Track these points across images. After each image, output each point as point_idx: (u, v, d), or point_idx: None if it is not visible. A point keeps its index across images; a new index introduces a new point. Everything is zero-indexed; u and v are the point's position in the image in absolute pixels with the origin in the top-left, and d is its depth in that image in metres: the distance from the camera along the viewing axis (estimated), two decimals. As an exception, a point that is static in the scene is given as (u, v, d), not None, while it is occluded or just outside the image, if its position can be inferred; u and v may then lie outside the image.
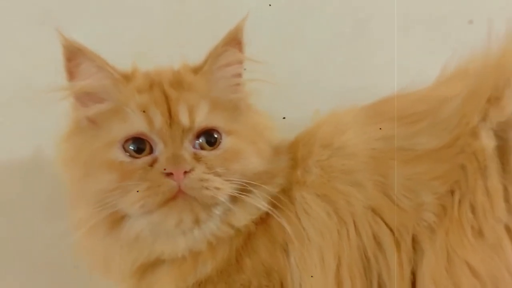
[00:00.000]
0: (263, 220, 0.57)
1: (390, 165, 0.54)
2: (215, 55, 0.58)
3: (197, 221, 0.55)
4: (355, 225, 0.53)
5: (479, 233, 0.48)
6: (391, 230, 0.53)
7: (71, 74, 0.56)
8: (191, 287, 0.56)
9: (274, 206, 0.57)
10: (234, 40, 0.58)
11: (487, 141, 0.49)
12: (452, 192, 0.51)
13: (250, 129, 0.59)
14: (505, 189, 0.48)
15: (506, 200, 0.48)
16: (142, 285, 0.58)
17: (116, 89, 0.56)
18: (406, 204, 0.53)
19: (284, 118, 0.67)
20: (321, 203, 0.55)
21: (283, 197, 0.57)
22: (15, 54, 0.74)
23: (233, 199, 0.55)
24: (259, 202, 0.56)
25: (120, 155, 0.54)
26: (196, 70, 0.59)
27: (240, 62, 0.59)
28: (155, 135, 0.54)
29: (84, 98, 0.57)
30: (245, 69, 0.61)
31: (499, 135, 0.50)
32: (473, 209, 0.49)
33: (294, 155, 0.60)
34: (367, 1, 0.85)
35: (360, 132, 0.58)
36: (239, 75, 0.60)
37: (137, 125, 0.54)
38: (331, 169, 0.57)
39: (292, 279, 0.55)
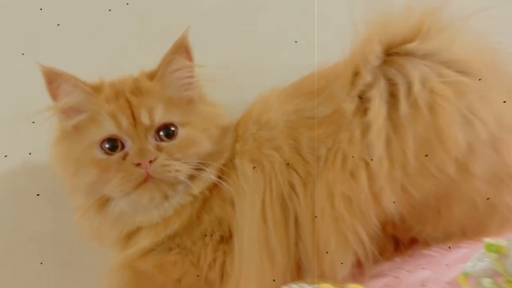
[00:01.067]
0: (216, 185, 0.74)
1: (300, 131, 0.71)
2: (165, 63, 0.72)
3: (165, 197, 0.72)
4: (276, 178, 0.70)
5: (345, 167, 0.64)
6: (300, 177, 0.69)
7: (54, 94, 0.71)
8: (163, 240, 0.74)
9: (222, 173, 0.74)
10: (180, 48, 0.73)
11: (350, 105, 0.66)
12: (334, 144, 0.67)
13: (202, 119, 0.74)
14: (362, 135, 0.64)
15: (363, 144, 0.64)
16: (130, 245, 0.76)
17: (90, 102, 0.71)
18: (310, 158, 0.69)
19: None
20: (253, 165, 0.72)
21: (229, 165, 0.75)
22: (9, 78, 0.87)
23: (191, 176, 0.71)
24: (210, 175, 0.73)
25: (99, 154, 0.70)
26: (151, 76, 0.74)
27: (188, 65, 0.74)
28: (124, 135, 0.70)
29: (68, 111, 0.72)
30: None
31: (362, 97, 0.66)
32: (343, 155, 0.65)
33: (237, 132, 0.77)
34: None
35: (280, 108, 0.74)
36: (189, 76, 0.75)
37: (109, 128, 0.70)
38: (260, 139, 0.73)
39: (237, 224, 0.72)
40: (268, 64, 1.00)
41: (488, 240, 0.48)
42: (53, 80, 0.71)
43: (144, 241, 0.75)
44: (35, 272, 0.92)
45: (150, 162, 0.69)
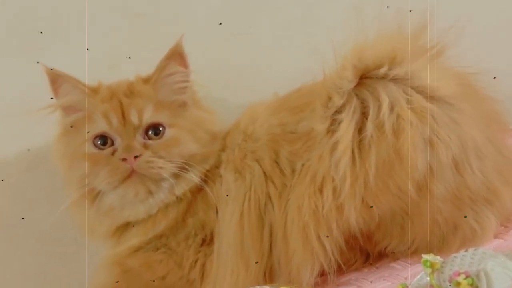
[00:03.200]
0: (201, 189, 0.84)
1: (281, 144, 0.79)
2: (160, 68, 0.82)
3: (150, 192, 0.81)
4: (255, 188, 0.79)
5: (313, 182, 0.73)
6: (276, 188, 0.78)
7: (55, 93, 0.83)
8: (150, 239, 0.84)
9: (207, 178, 0.84)
10: (174, 55, 0.82)
11: (321, 125, 0.74)
12: (308, 160, 0.76)
13: (191, 122, 0.84)
14: (330, 153, 0.72)
15: (330, 162, 0.71)
16: (120, 242, 0.87)
17: (87, 101, 0.82)
18: (287, 171, 0.78)
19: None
20: (235, 175, 0.81)
21: (214, 172, 0.84)
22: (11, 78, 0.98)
23: (174, 175, 0.81)
24: (193, 177, 0.82)
25: (91, 149, 0.81)
26: (146, 81, 0.84)
27: (182, 71, 0.84)
28: (114, 132, 0.80)
29: (66, 109, 0.84)
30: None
31: (334, 118, 0.74)
32: (313, 171, 0.73)
33: (225, 141, 0.86)
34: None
35: (265, 121, 0.83)
36: (183, 81, 0.85)
37: (101, 126, 0.80)
38: (245, 150, 0.82)
39: (218, 229, 0.82)
40: (267, 69, 1.09)
41: (425, 256, 0.57)
42: (55, 80, 0.83)
43: (133, 239, 0.85)
44: (31, 266, 1.03)
45: (135, 158, 0.78)
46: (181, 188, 0.83)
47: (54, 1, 1.00)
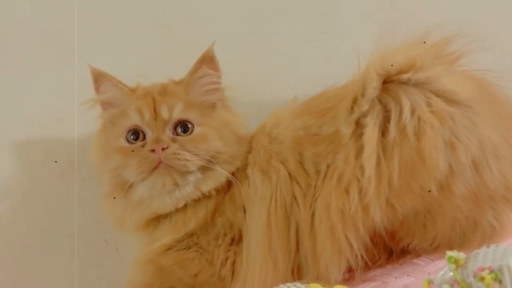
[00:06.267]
0: (228, 190, 0.87)
1: (305, 146, 0.82)
2: (192, 71, 0.88)
3: (176, 184, 0.84)
4: (280, 189, 0.82)
5: (340, 183, 0.75)
6: (301, 188, 0.81)
7: (97, 90, 0.89)
8: (182, 237, 0.87)
9: (235, 178, 0.87)
10: (205, 59, 0.88)
11: (347, 129, 0.77)
12: (333, 161, 0.78)
13: (218, 122, 0.88)
14: (356, 156, 0.75)
15: (356, 164, 0.74)
16: (153, 236, 0.90)
17: (124, 99, 0.88)
18: (311, 171, 0.80)
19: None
20: (261, 176, 0.84)
21: (241, 173, 0.88)
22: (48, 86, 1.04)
23: (201, 169, 0.84)
24: (220, 173, 0.85)
25: (123, 142, 0.86)
26: (179, 83, 0.90)
27: (212, 74, 0.89)
28: (145, 126, 0.85)
29: (105, 105, 0.90)
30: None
31: (360, 122, 0.76)
32: (339, 172, 0.76)
33: (251, 144, 0.90)
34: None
35: (290, 123, 0.85)
36: (213, 83, 0.89)
37: (134, 120, 0.85)
38: (270, 152, 0.85)
39: (246, 228, 0.85)
40: (288, 75, 1.13)
41: (449, 253, 0.59)
42: (98, 79, 0.89)
43: (165, 238, 0.89)
44: (63, 267, 1.08)
45: (163, 149, 0.82)
46: (207, 185, 0.87)
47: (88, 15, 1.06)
